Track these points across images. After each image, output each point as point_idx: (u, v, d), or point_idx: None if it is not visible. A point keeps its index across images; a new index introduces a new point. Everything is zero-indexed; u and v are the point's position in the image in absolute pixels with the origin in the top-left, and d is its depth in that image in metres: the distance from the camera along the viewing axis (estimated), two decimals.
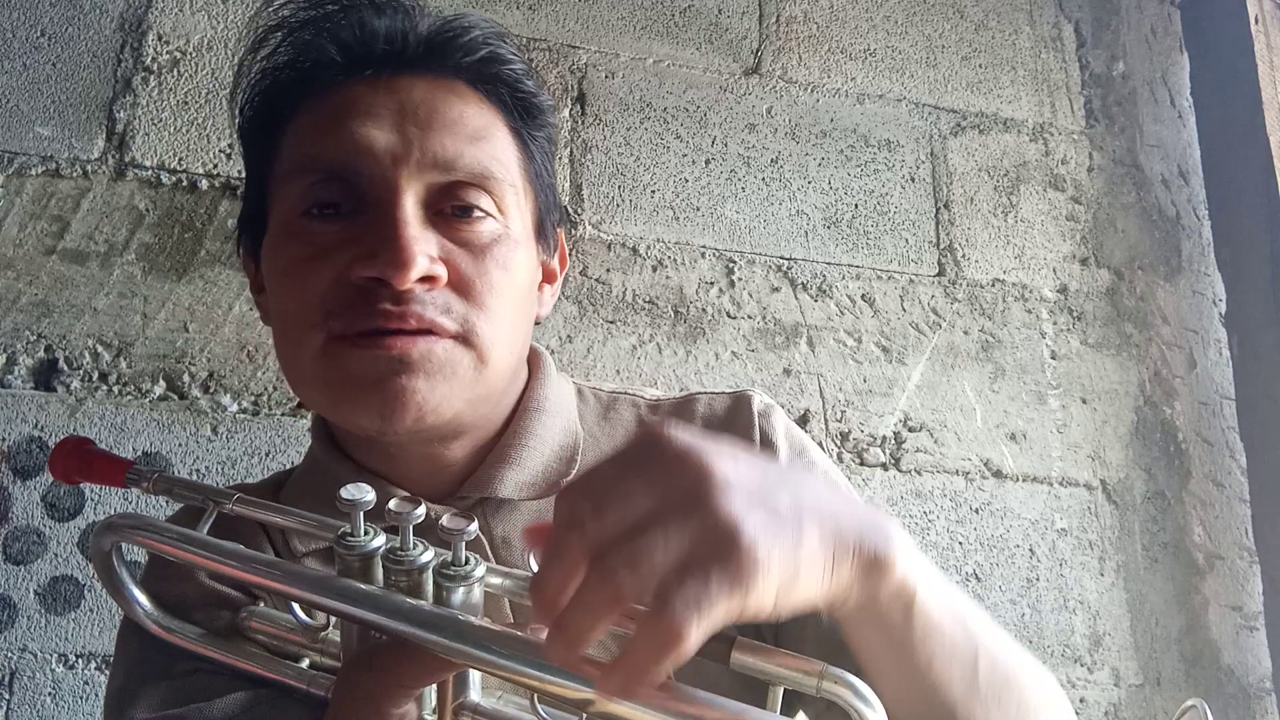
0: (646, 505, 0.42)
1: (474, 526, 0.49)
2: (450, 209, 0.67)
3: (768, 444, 0.75)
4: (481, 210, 0.67)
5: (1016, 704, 0.58)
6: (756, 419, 0.76)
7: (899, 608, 0.51)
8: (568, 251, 0.82)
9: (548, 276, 0.78)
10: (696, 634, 0.39)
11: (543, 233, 0.75)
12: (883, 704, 0.50)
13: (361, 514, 0.50)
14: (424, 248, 0.63)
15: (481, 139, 0.69)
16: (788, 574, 0.43)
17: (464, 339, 0.65)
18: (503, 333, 0.67)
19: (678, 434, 0.45)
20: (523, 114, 0.74)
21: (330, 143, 0.67)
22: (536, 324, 0.75)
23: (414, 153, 0.66)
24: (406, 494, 0.52)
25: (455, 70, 0.71)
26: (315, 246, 0.66)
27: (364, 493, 0.50)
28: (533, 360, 0.78)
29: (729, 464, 0.44)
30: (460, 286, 0.65)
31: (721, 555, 0.41)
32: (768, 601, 0.42)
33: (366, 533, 0.51)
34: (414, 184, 0.65)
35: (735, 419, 0.76)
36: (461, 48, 0.71)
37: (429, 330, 0.63)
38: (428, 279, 0.63)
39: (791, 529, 0.43)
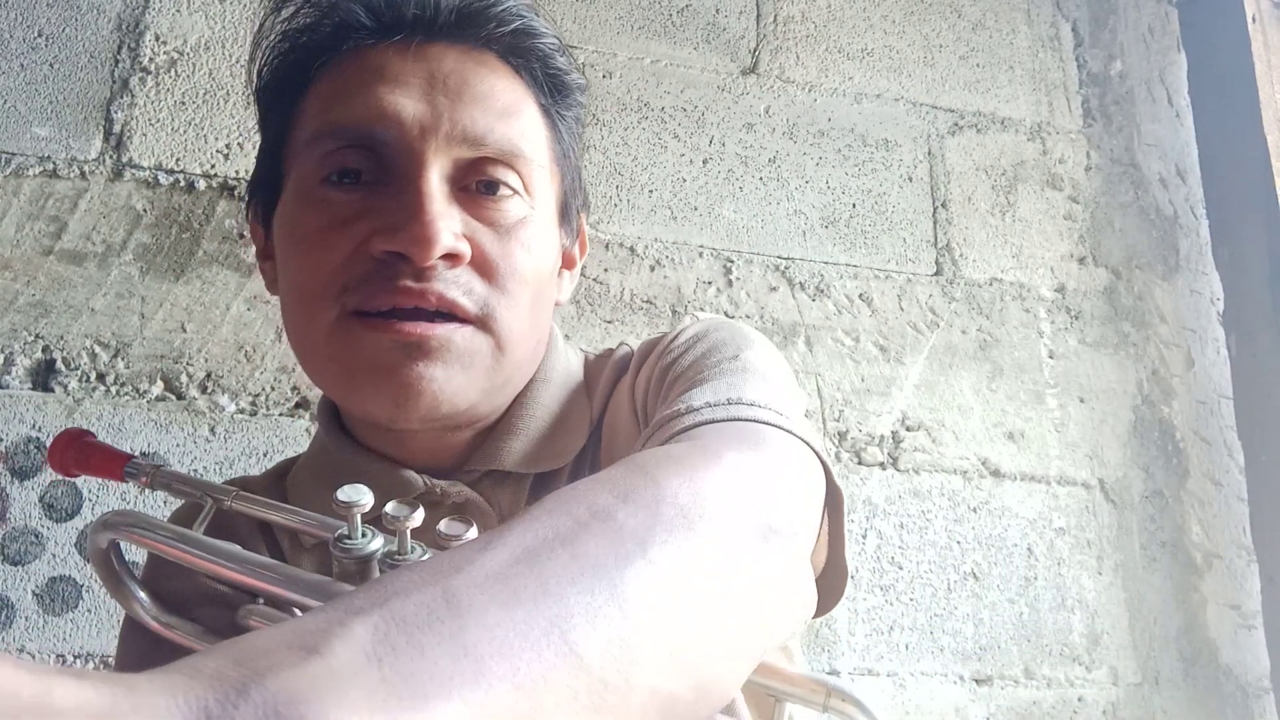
0: None
1: (473, 531, 0.49)
2: (476, 185, 0.64)
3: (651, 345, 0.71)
4: (509, 188, 0.65)
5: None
6: (665, 338, 0.72)
7: None
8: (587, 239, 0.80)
9: (567, 262, 0.76)
10: None
11: (566, 216, 0.73)
12: None
13: (359, 516, 0.50)
14: (448, 224, 0.61)
15: (512, 115, 0.66)
16: None
17: (483, 323, 0.63)
18: (522, 319, 0.65)
19: None
20: (553, 91, 0.71)
21: (356, 108, 0.64)
22: (555, 309, 0.74)
23: (443, 124, 0.63)
24: (404, 497, 0.51)
25: (487, 41, 0.68)
26: (333, 216, 0.63)
27: (360, 495, 0.49)
28: None
29: None
30: (483, 267, 0.63)
31: None
32: None
33: (364, 535, 0.51)
34: (441, 157, 0.63)
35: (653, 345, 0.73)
36: (494, 18, 0.68)
37: (449, 312, 0.61)
38: (450, 256, 0.61)
39: None
